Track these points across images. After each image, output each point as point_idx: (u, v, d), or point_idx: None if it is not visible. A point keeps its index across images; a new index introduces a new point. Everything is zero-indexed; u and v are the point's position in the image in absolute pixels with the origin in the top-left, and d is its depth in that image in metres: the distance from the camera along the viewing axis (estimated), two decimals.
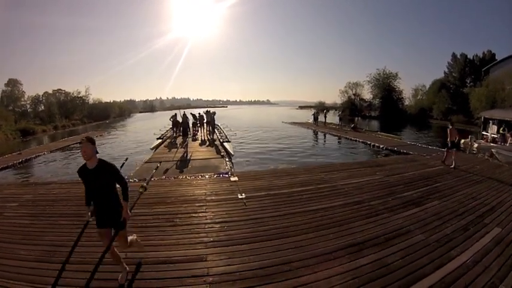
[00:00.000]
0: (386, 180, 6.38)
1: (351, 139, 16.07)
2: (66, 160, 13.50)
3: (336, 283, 2.77)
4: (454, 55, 41.61)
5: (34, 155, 13.79)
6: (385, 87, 42.53)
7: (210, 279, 2.85)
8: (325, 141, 17.27)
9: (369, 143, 14.23)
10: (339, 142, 16.28)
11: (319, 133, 20.24)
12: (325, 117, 24.17)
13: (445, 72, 40.26)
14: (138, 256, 3.41)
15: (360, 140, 15.24)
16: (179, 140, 14.49)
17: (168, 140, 15.38)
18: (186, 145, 12.11)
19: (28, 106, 44.93)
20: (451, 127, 7.97)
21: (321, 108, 31.66)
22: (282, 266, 2.98)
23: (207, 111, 16.21)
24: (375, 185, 6.04)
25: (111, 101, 71.17)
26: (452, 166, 7.56)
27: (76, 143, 16.65)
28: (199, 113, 18.12)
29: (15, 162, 11.87)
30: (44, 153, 14.61)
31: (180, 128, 13.69)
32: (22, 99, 43.92)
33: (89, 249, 3.51)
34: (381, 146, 12.95)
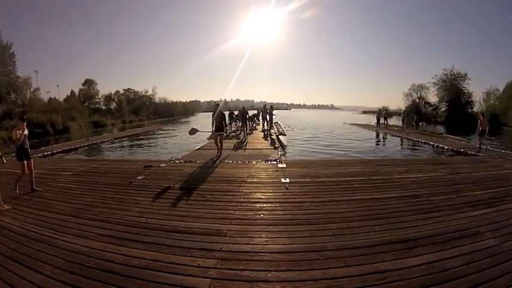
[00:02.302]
0: (451, 178, 6.28)
1: (412, 139, 16.66)
2: (124, 146, 17.73)
3: (372, 282, 2.51)
4: None
5: (100, 141, 17.98)
6: (453, 89, 43.14)
7: (221, 254, 2.96)
8: (385, 141, 18.27)
9: (432, 143, 14.55)
10: (400, 143, 17.18)
11: (380, 134, 21.80)
12: (386, 119, 25.65)
13: None
14: (157, 223, 3.95)
15: (422, 141, 15.61)
16: (237, 133, 16.85)
17: (226, 134, 17.06)
18: (244, 135, 14.48)
19: (101, 103, 55.59)
20: (481, 118, 11.25)
21: (384, 111, 31.34)
22: (311, 254, 2.91)
23: (264, 106, 18.76)
24: (436, 181, 5.97)
25: (177, 101, 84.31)
26: (479, 146, 10.73)
27: (134, 134, 23.33)
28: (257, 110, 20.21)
29: (82, 145, 15.60)
30: (108, 140, 18.75)
31: (238, 120, 15.51)
32: (96, 97, 54.64)
33: (112, 211, 4.48)
34: (446, 147, 13.07)
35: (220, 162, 8.20)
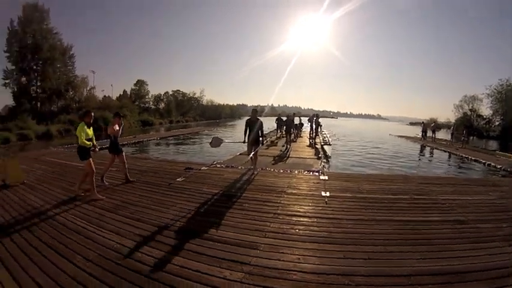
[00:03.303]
0: (502, 203, 5.85)
1: (461, 156, 16.37)
2: (169, 145, 19.61)
3: None
4: None
5: (146, 139, 19.93)
6: (509, 101, 41.64)
7: (249, 268, 2.99)
8: (431, 155, 18.06)
9: (483, 161, 14.11)
10: (447, 158, 17.00)
11: (426, 147, 21.65)
12: (434, 132, 25.14)
13: None
14: (191, 228, 4.14)
15: (472, 158, 15.19)
16: (282, 140, 17.16)
17: (271, 139, 18.51)
18: (287, 144, 14.36)
19: (151, 103, 61.60)
20: None
21: (431, 123, 29.57)
22: (342, 278, 2.84)
23: (313, 115, 19.32)
24: (485, 205, 5.66)
25: (224, 104, 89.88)
26: None
27: (180, 134, 25.09)
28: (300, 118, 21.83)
29: (128, 142, 17.41)
30: (154, 139, 20.81)
31: (284, 128, 16.21)
32: (146, 97, 61.14)
33: (148, 211, 4.80)
34: (499, 166, 12.57)
35: (261, 169, 8.32)
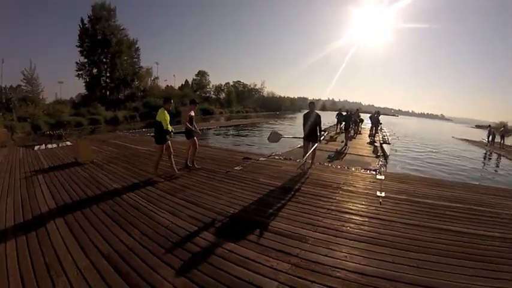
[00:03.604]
0: None
1: None
2: (228, 135, 20.73)
3: None
4: None
5: (206, 127, 21.42)
6: None
7: (297, 260, 3.08)
8: (498, 164, 16.62)
9: None
10: None
11: (492, 154, 20.19)
12: (503, 137, 23.23)
13: None
14: (244, 216, 4.30)
15: None
16: (341, 136, 17.08)
17: (330, 134, 18.77)
18: (345, 140, 14.38)
19: (212, 93, 65.69)
20: None
21: (501, 127, 25.27)
22: (385, 282, 2.81)
23: (374, 112, 19.49)
24: None
25: (284, 96, 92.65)
26: None
27: (240, 124, 26.40)
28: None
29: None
30: (214, 128, 22.70)
31: (342, 123, 16.53)
32: (208, 87, 65.64)
33: (204, 196, 5.11)
34: None
35: (319, 164, 8.25)
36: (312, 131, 7.20)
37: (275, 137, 8.23)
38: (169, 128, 5.92)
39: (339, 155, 11.18)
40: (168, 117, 5.91)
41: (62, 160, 8.14)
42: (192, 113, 6.90)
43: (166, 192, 5.15)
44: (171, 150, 6.20)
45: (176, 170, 6.36)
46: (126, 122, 31.18)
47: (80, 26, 40.88)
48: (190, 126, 6.82)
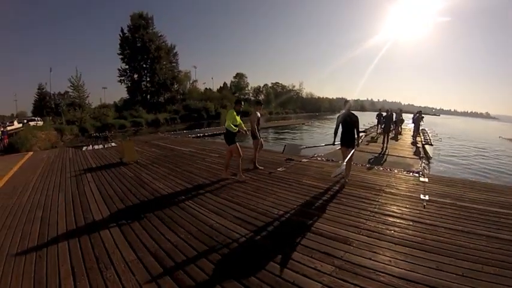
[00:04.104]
0: None
1: None
2: (268, 137, 21.66)
3: None
4: None
5: (245, 129, 20.23)
6: None
7: (340, 263, 3.07)
8: None
9: None
10: None
11: None
12: None
13: None
14: (288, 217, 4.28)
15: None
16: (382, 137, 16.63)
17: (371, 135, 18.51)
18: (386, 141, 13.91)
19: (250, 94, 68.10)
20: None
21: None
22: None
23: (416, 112, 19.06)
24: None
25: (323, 97, 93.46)
26: None
27: (280, 126, 26.56)
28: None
29: None
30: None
31: (383, 124, 15.97)
32: (246, 89, 68.29)
33: (248, 196, 5.20)
34: None
35: (361, 165, 8.11)
36: (348, 135, 6.17)
37: (293, 149, 8.12)
38: (232, 127, 5.96)
39: (380, 156, 11.07)
40: (237, 118, 6.01)
41: (108, 160, 8.65)
42: (259, 114, 6.98)
43: (210, 192, 5.24)
44: (241, 152, 6.21)
45: (242, 175, 6.26)
46: (167, 124, 32.57)
47: (120, 35, 44.43)
48: (256, 128, 6.94)
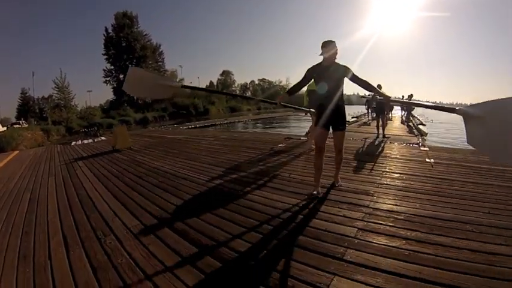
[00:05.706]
0: None
1: None
2: (258, 127, 22.33)
3: None
4: None
5: (237, 120, 23.63)
6: None
7: (369, 210, 3.03)
8: None
9: None
10: None
11: None
12: None
13: None
14: (300, 178, 4.10)
15: None
16: (374, 122, 16.63)
17: (363, 120, 19.22)
18: (378, 123, 13.48)
19: (238, 91, 66.58)
20: None
21: None
22: (465, 225, 2.73)
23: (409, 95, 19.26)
24: None
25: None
26: None
27: (269, 118, 27.66)
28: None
29: (221, 122, 20.60)
30: (245, 121, 24.34)
31: (373, 109, 16.22)
32: (233, 86, 67.36)
33: (254, 164, 5.08)
34: None
35: (360, 140, 8.17)
36: (331, 104, 3.08)
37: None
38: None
39: (375, 136, 10.91)
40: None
41: (99, 150, 8.22)
42: None
43: (214, 165, 4.99)
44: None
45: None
46: (155, 121, 32.19)
47: (104, 34, 43.40)
48: None
